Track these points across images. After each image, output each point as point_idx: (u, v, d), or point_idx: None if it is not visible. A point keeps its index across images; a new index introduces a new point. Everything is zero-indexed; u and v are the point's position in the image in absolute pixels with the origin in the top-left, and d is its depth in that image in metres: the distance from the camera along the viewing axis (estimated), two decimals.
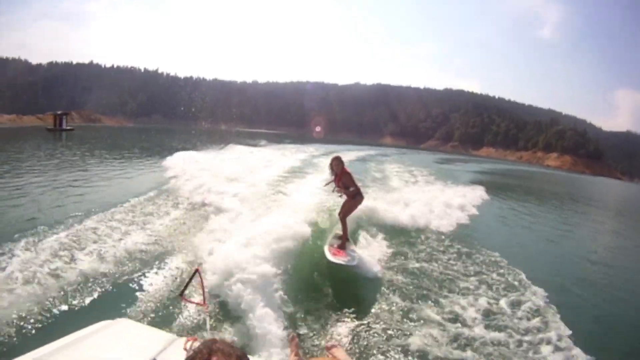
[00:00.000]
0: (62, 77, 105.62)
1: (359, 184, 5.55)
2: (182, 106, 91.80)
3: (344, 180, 5.30)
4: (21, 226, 5.17)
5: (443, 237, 6.95)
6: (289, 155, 18.62)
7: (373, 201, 7.51)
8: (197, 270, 1.80)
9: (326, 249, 5.00)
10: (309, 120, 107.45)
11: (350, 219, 5.61)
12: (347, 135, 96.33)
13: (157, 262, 4.48)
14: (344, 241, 5.32)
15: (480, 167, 35.30)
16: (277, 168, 12.98)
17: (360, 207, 5.63)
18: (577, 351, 3.58)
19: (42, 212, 6.13)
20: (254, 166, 12.76)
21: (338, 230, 5.62)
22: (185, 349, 1.42)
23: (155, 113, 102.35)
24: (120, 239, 4.95)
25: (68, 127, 34.12)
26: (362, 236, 6.22)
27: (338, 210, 5.62)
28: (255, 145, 23.28)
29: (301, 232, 5.05)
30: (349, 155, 21.56)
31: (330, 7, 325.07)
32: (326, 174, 10.22)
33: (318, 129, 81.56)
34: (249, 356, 1.61)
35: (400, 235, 6.72)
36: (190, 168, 10.48)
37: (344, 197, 5.47)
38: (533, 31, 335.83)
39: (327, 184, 5.97)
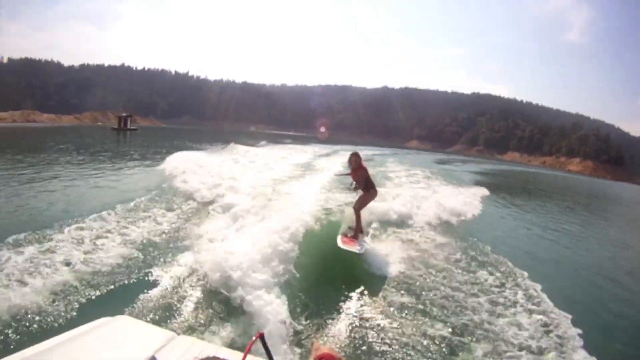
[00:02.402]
0: (94, 78, 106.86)
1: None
2: (211, 107, 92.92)
3: (359, 174, 5.53)
4: (23, 222, 5.17)
5: (449, 237, 6.74)
6: (307, 153, 19.25)
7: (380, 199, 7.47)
8: (260, 336, 1.38)
9: (339, 237, 5.16)
10: (336, 124, 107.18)
11: (364, 212, 5.75)
12: (374, 138, 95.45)
13: (156, 260, 4.39)
14: (357, 232, 5.43)
15: (484, 168, 35.33)
16: (283, 167, 12.89)
17: (371, 203, 5.84)
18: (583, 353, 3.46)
19: (50, 209, 6.17)
20: (261, 165, 12.73)
21: (351, 223, 5.70)
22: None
23: (185, 114, 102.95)
24: (120, 237, 4.86)
25: (132, 127, 37.42)
26: (372, 231, 6.29)
27: (354, 204, 5.73)
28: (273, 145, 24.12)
29: (307, 228, 5.05)
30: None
31: (358, 11, 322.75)
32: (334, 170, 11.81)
33: (323, 129, 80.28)
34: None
35: (404, 233, 6.62)
36: (193, 167, 10.21)
37: (359, 192, 5.69)
38: (560, 34, 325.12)
39: (339, 175, 6.47)
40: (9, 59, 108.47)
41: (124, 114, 39.78)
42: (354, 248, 4.91)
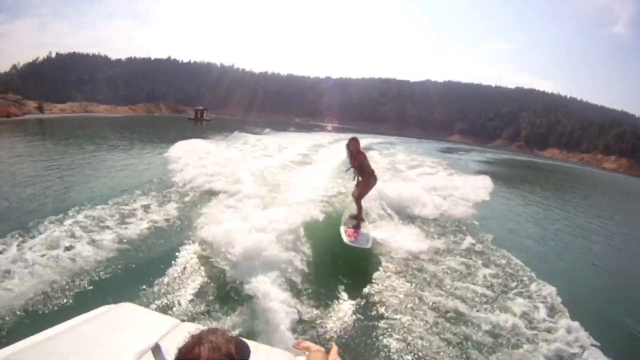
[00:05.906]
0: (141, 71, 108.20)
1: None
2: (257, 99, 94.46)
3: (358, 160, 5.25)
4: (34, 209, 5.14)
5: (456, 226, 6.55)
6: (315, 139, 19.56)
7: (384, 183, 7.10)
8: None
9: (342, 230, 4.93)
10: (380, 116, 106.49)
11: (365, 200, 5.49)
12: (416, 131, 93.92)
13: (160, 247, 4.32)
14: (359, 222, 5.23)
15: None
16: (288, 154, 12.57)
17: (373, 190, 5.50)
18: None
19: (60, 197, 6.10)
20: (267, 153, 12.54)
21: (353, 211, 5.49)
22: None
23: (232, 105, 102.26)
24: (125, 225, 4.74)
25: (207, 118, 42.45)
26: (373, 218, 5.98)
27: (352, 191, 5.49)
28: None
29: (310, 216, 5.00)
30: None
31: (401, 4, 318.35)
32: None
33: (329, 128, 79.41)
34: (258, 343, 1.62)
35: (411, 221, 6.41)
36: (198, 156, 10.04)
37: (358, 179, 5.43)
38: (607, 28, 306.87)
39: (348, 169, 6.08)
40: (57, 54, 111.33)
41: (200, 107, 45.33)
42: (361, 243, 4.72)
